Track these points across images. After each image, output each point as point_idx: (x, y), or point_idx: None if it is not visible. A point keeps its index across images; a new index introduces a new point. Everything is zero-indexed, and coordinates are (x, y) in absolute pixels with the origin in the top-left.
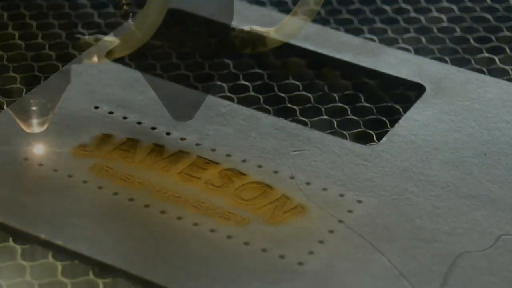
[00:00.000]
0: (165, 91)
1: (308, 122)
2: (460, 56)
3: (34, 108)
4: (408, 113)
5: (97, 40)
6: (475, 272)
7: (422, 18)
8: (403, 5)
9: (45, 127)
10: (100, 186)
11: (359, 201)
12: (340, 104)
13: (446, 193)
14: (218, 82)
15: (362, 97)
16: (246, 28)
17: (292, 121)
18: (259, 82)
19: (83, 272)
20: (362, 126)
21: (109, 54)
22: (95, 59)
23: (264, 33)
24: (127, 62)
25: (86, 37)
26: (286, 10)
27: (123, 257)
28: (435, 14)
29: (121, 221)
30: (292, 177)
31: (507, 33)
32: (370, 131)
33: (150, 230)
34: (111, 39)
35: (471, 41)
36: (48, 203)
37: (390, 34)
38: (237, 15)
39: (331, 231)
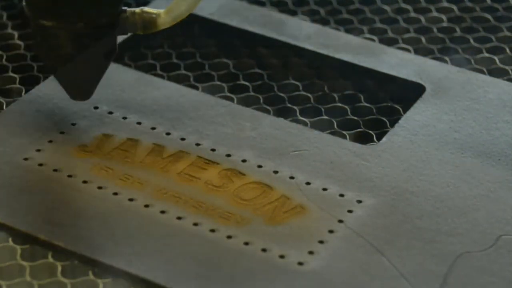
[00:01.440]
0: (165, 91)
1: (308, 122)
2: (460, 56)
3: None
4: (408, 113)
5: (143, 12)
6: (475, 272)
7: (422, 18)
8: (403, 5)
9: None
10: (100, 186)
11: (359, 201)
12: (340, 104)
13: (446, 193)
14: (218, 82)
15: (362, 97)
16: (137, 10)
17: (292, 121)
18: (259, 82)
19: (83, 272)
20: (362, 126)
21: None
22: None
23: (154, 14)
24: (127, 62)
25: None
26: (286, 10)
27: (122, 257)
28: (435, 14)
29: (121, 221)
30: (292, 177)
31: (507, 33)
32: (370, 131)
33: (150, 230)
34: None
35: (471, 41)
36: (48, 203)
37: (390, 34)
38: (237, 15)
39: (331, 231)
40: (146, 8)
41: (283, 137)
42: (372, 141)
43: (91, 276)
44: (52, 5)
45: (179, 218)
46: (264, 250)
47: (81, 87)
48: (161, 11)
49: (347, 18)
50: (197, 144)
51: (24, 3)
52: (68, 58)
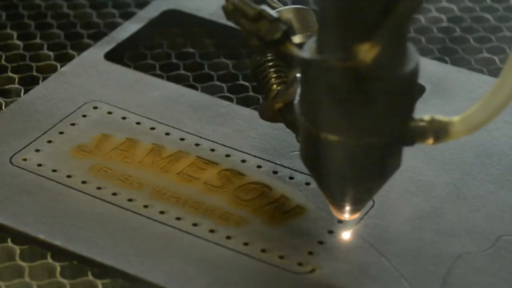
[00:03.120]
0: (164, 91)
1: None
2: (460, 56)
3: None
4: None
5: (433, 120)
6: (475, 273)
7: (422, 18)
8: None
9: None
10: (99, 187)
11: None
12: None
13: (446, 194)
14: (217, 82)
15: None
16: (426, 117)
17: None
18: None
19: (82, 273)
20: None
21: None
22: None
23: (447, 123)
24: (126, 62)
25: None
26: None
27: (122, 257)
28: (435, 14)
29: (120, 221)
30: (291, 177)
31: (507, 33)
32: None
33: (149, 230)
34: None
35: (471, 41)
36: (47, 203)
37: None
38: None
39: (330, 232)
40: (436, 116)
41: (282, 137)
42: None
43: (90, 277)
44: (340, 119)
45: (178, 218)
46: (263, 250)
47: (351, 203)
48: (455, 119)
49: None
50: (197, 144)
51: (296, 112)
52: (347, 174)
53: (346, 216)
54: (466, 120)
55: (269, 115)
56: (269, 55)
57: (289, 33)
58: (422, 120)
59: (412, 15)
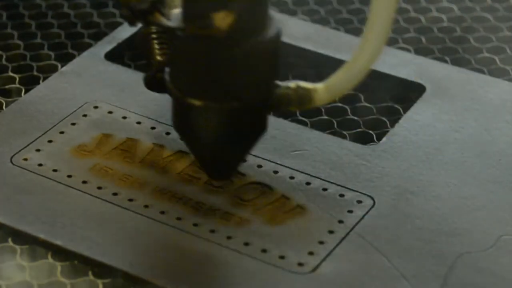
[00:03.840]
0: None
1: (308, 122)
2: (460, 56)
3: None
4: (408, 113)
5: (298, 87)
6: (475, 272)
7: (422, 18)
8: (403, 5)
9: None
10: (99, 186)
11: (359, 201)
12: (340, 104)
13: (446, 193)
14: None
15: (362, 97)
16: (292, 84)
17: (292, 121)
18: None
19: (83, 273)
20: (362, 126)
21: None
22: None
23: (311, 90)
24: (127, 62)
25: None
26: (286, 10)
27: (122, 257)
28: (435, 14)
29: (121, 221)
30: (292, 177)
31: (507, 33)
32: (370, 131)
33: (149, 230)
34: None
35: (471, 41)
36: (48, 203)
37: (390, 34)
38: None
39: (331, 232)
40: (301, 83)
41: (283, 137)
42: (372, 141)
43: (91, 276)
44: (203, 84)
45: (179, 218)
46: (264, 250)
47: (222, 166)
48: (318, 85)
49: (347, 18)
50: None
51: (167, 79)
52: (213, 138)
53: (219, 178)
54: (329, 87)
55: (153, 85)
56: (153, 27)
57: (157, 3)
58: (287, 87)
59: None
